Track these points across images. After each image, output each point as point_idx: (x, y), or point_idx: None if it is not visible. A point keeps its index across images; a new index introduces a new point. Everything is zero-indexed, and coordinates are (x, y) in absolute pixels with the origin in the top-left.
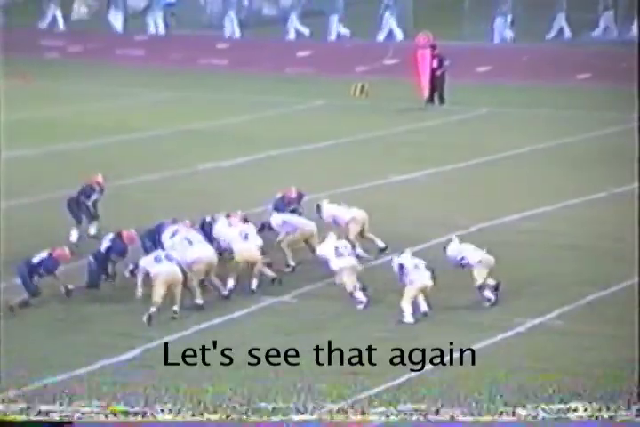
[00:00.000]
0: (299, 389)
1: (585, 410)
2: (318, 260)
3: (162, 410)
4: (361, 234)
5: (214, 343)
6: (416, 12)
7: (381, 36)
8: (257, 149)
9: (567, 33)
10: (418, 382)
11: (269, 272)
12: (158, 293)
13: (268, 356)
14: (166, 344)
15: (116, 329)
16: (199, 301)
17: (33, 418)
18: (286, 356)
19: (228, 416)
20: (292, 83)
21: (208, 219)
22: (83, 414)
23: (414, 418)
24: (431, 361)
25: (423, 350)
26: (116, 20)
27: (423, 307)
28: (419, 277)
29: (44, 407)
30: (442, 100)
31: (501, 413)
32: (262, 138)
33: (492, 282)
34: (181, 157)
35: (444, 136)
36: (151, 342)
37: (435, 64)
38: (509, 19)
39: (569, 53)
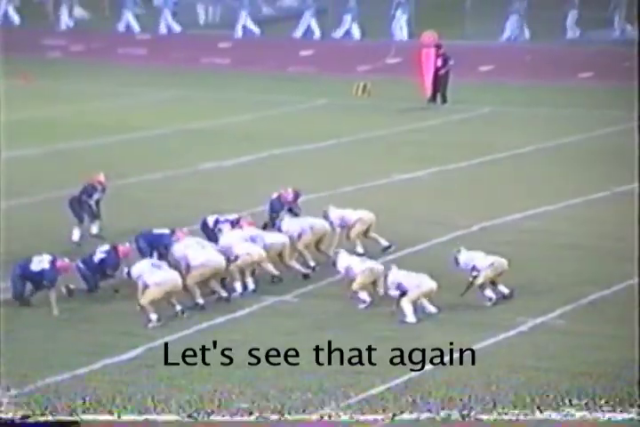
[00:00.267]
0: (299, 389)
1: (586, 410)
2: (321, 259)
3: (163, 410)
4: (365, 234)
5: (215, 343)
6: (419, 12)
7: (395, 34)
8: (259, 148)
9: (576, 32)
10: (419, 382)
11: (272, 269)
12: (151, 297)
13: (268, 356)
14: (167, 344)
15: (117, 328)
16: (200, 300)
17: (34, 418)
18: (286, 356)
19: (228, 416)
20: (295, 82)
21: (211, 221)
22: (84, 413)
23: (415, 418)
24: (432, 361)
25: (424, 350)
26: (131, 19)
27: (429, 308)
28: (422, 281)
29: (45, 407)
30: (444, 99)
31: (503, 412)
32: (264, 137)
33: (504, 289)
34: (183, 157)
35: (447, 135)
36: (153, 342)
37: (439, 63)
38: (523, 17)
39: (571, 53)
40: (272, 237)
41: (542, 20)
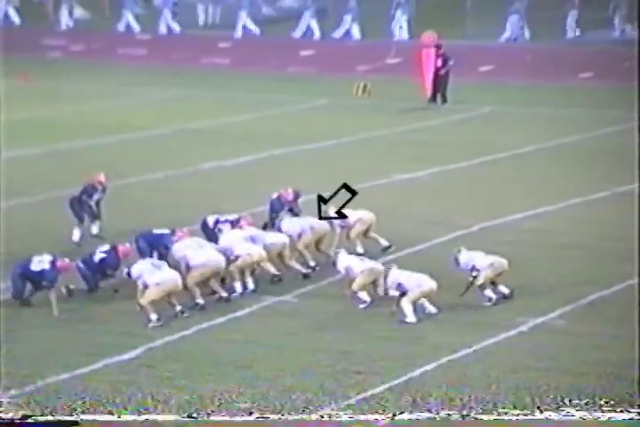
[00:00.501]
0: (299, 389)
1: (586, 410)
2: (320, 259)
3: (163, 410)
4: (365, 234)
5: (215, 343)
6: (419, 12)
7: (394, 35)
8: (259, 148)
9: (576, 32)
10: (419, 382)
11: (272, 269)
12: (151, 297)
13: (268, 355)
14: (169, 343)
15: (117, 329)
16: (200, 300)
17: (34, 418)
18: (287, 355)
19: (228, 416)
20: (295, 82)
21: (211, 220)
22: (84, 413)
23: (415, 418)
24: (433, 361)
25: (426, 350)
26: (131, 19)
27: (429, 308)
28: (422, 281)
29: (45, 407)
30: (444, 99)
31: (503, 412)
32: (264, 137)
33: (504, 290)
34: (183, 156)
35: (447, 135)
36: (153, 342)
37: (439, 63)
38: (523, 17)
39: (571, 53)
40: (272, 238)
41: (542, 20)
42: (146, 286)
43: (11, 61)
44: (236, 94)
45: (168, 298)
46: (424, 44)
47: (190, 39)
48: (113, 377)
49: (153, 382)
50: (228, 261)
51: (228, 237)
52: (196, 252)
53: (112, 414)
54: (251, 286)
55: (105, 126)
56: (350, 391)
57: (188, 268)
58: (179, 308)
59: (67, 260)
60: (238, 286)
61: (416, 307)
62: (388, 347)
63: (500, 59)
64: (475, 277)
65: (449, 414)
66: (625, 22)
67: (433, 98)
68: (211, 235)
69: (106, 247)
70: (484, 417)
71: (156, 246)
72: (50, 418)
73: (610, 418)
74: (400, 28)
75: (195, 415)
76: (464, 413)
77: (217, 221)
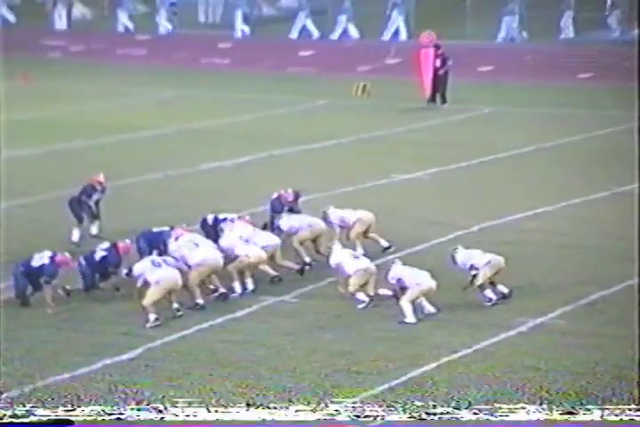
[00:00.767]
0: (299, 389)
1: (586, 409)
2: (320, 260)
3: (163, 410)
4: (364, 234)
5: (215, 343)
6: (418, 12)
7: (387, 35)
8: (259, 148)
9: (571, 32)
10: (419, 382)
11: (270, 270)
12: (153, 297)
13: (268, 355)
14: (168, 344)
15: (117, 329)
16: (200, 300)
17: (34, 418)
18: (287, 355)
19: (228, 416)
20: (294, 82)
21: (210, 218)
22: (84, 413)
23: (415, 418)
24: (432, 361)
25: (426, 350)
26: (125, 19)
27: (429, 308)
28: (422, 279)
29: (45, 407)
30: (444, 99)
31: (503, 412)
32: (264, 137)
33: (503, 289)
34: (183, 156)
35: (447, 135)
36: (153, 342)
37: (437, 63)
38: (517, 18)
39: (571, 53)
40: (265, 240)
41: (539, 21)
42: (146, 284)
43: (10, 61)
44: (235, 94)
45: (169, 296)
46: (422, 44)
47: (190, 39)
48: (113, 377)
49: (153, 382)
50: (227, 261)
51: (229, 237)
52: (192, 251)
53: (112, 414)
54: (250, 286)
55: (105, 126)
56: (350, 391)
57: (189, 267)
58: (175, 306)
59: (67, 254)
60: (237, 287)
61: (415, 307)
62: (388, 347)
63: (500, 59)
64: (475, 276)
65: (449, 414)
66: (624, 22)
67: (432, 98)
68: (210, 233)
69: (106, 245)
70: (484, 417)
71: (156, 244)
72: (49, 418)
73: (610, 418)
74: (397, 28)
75: (194, 415)
76: (464, 413)
77: (216, 219)
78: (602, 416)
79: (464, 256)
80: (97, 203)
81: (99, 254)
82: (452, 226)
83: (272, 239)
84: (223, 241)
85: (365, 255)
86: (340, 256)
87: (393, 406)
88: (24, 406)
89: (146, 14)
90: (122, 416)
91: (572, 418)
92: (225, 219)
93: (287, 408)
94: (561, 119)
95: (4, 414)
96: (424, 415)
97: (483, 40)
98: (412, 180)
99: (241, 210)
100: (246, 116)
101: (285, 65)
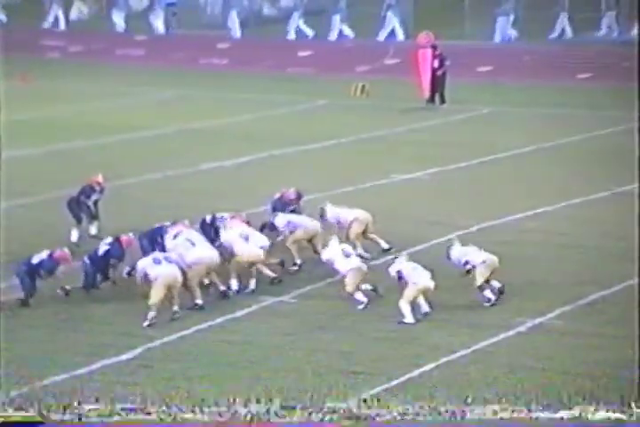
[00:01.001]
0: (299, 389)
1: (586, 410)
2: (319, 260)
3: (163, 410)
4: (364, 235)
5: (214, 343)
6: (417, 12)
7: (383, 36)
8: (259, 148)
9: (568, 33)
10: (418, 382)
11: (269, 272)
12: (157, 295)
13: (267, 356)
14: (167, 344)
15: (116, 329)
16: (199, 301)
17: (33, 418)
18: (286, 356)
19: (227, 416)
20: (294, 82)
21: (208, 218)
22: (83, 414)
23: (415, 418)
24: (431, 361)
25: (425, 350)
26: (119, 19)
27: (424, 308)
28: (420, 278)
29: (44, 408)
30: (442, 99)
31: (502, 413)
32: (264, 137)
33: (496, 284)
34: (183, 157)
35: (446, 135)
36: (152, 342)
37: (435, 64)
38: (512, 18)
39: (570, 53)
40: (255, 241)
41: (537, 21)
42: (147, 280)
43: (8, 62)
44: (235, 95)
45: (170, 294)
46: (420, 44)
47: (188, 40)
48: (112, 378)
49: (152, 383)
50: (226, 258)
51: (228, 234)
52: (188, 250)
53: (111, 414)
54: (252, 285)
55: (104, 126)
56: (350, 391)
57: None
58: (175, 308)
59: (66, 249)
60: (234, 284)
61: (414, 307)
62: (387, 347)
63: (499, 59)
64: (469, 271)
65: (449, 414)
66: (621, 23)
67: (431, 98)
68: (209, 233)
69: (109, 239)
70: (484, 417)
71: (156, 241)
72: (49, 418)
73: (609, 418)
74: (393, 29)
75: (194, 415)
76: (463, 413)
77: (214, 219)
78: (601, 416)
79: (459, 252)
80: (95, 203)
81: (102, 249)
82: (451, 226)
83: (262, 240)
84: (222, 238)
85: (367, 256)
86: (332, 253)
87: (392, 407)
88: (24, 406)
89: (141, 14)
90: (121, 417)
91: (571, 418)
92: (222, 218)
93: (287, 409)
94: (560, 119)
95: (4, 415)
96: (424, 415)
97: (481, 40)
98: (412, 180)
99: (241, 210)
100: (246, 117)
101: (284, 65)
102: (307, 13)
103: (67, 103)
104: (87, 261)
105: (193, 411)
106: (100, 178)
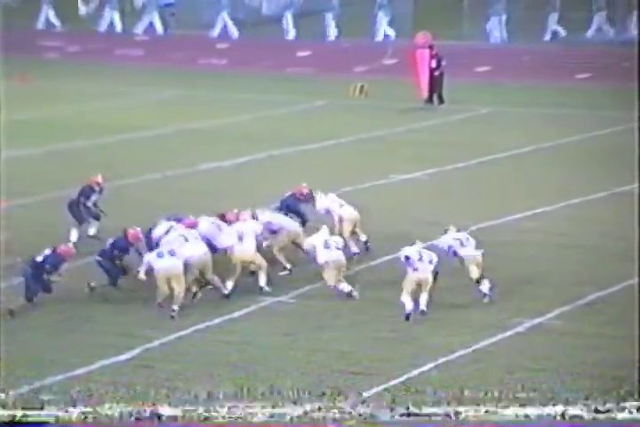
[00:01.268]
0: (298, 389)
1: (584, 410)
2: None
3: (161, 410)
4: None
5: (212, 344)
6: (415, 12)
7: (380, 37)
8: (258, 148)
9: (561, 33)
10: (417, 382)
11: (263, 279)
12: (162, 288)
13: (265, 356)
14: (165, 344)
15: (115, 329)
16: (196, 292)
17: (33, 418)
18: (285, 356)
19: (227, 416)
20: (293, 82)
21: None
22: (82, 414)
23: (415, 418)
24: (430, 361)
25: (424, 350)
26: (113, 19)
27: (422, 305)
28: (419, 269)
29: (43, 408)
30: (441, 99)
31: (501, 413)
32: (263, 137)
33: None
34: (182, 157)
35: (445, 136)
36: (150, 342)
37: (433, 64)
38: (504, 19)
39: (568, 53)
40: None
41: (532, 21)
42: (151, 272)
43: (7, 62)
44: (234, 95)
45: (172, 286)
46: (418, 44)
47: (187, 40)
48: (111, 378)
49: (150, 383)
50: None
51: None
52: (181, 246)
53: (110, 414)
54: (262, 283)
55: (104, 126)
56: (350, 391)
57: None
58: (175, 307)
59: (70, 244)
60: (229, 283)
61: (412, 307)
62: (386, 347)
63: (497, 59)
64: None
65: (447, 414)
66: (620, 23)
67: (429, 99)
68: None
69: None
70: (482, 417)
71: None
72: (48, 418)
73: (609, 418)
74: (383, 29)
75: (193, 415)
76: (461, 413)
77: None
78: (599, 417)
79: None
80: (95, 204)
81: (109, 242)
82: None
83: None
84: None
85: (361, 254)
86: (315, 240)
87: (391, 406)
88: (23, 406)
89: (139, 14)
90: (120, 416)
91: (570, 418)
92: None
93: (287, 408)
94: (559, 119)
95: (3, 415)
96: (423, 415)
97: (480, 40)
98: (411, 180)
99: (240, 210)
100: (245, 117)
101: (283, 65)
102: (300, 13)
103: (66, 103)
104: (100, 259)
105: (191, 411)
106: (99, 178)
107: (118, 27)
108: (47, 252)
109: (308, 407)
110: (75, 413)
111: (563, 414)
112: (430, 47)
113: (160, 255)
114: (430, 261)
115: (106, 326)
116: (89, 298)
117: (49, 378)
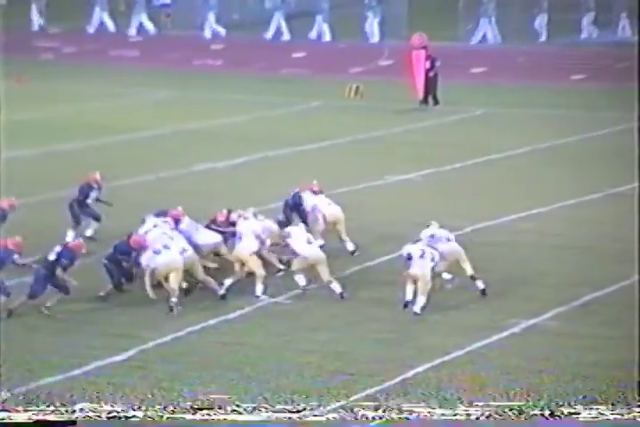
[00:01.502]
0: (297, 389)
1: (581, 411)
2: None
3: (158, 411)
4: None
5: (208, 345)
6: (410, 14)
7: (375, 38)
8: (253, 149)
9: (544, 35)
10: (414, 383)
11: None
12: (171, 284)
13: (261, 357)
14: (161, 345)
15: (111, 330)
16: (174, 299)
17: (32, 418)
18: (281, 357)
19: (226, 417)
20: (288, 83)
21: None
22: (79, 414)
23: (411, 418)
24: (426, 362)
25: (419, 351)
26: (103, 20)
27: (416, 307)
28: (416, 265)
29: (42, 408)
30: (436, 100)
31: (497, 413)
32: (260, 138)
33: (448, 276)
34: (177, 158)
35: (440, 137)
36: (146, 344)
37: (427, 65)
38: (493, 20)
39: (564, 54)
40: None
41: (521, 22)
42: (152, 271)
43: (4, 63)
44: (229, 96)
45: (165, 281)
46: (413, 45)
47: (183, 41)
48: (106, 379)
49: (145, 384)
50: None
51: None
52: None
53: (108, 414)
54: (258, 293)
55: (102, 127)
56: (348, 392)
57: None
58: (174, 300)
59: (80, 239)
60: (228, 281)
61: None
62: (382, 348)
63: (493, 60)
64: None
65: (445, 415)
66: (608, 24)
67: (424, 100)
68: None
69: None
70: (480, 417)
71: None
72: (48, 418)
73: (606, 418)
74: (373, 29)
75: (192, 415)
76: (457, 414)
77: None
78: (595, 417)
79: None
80: (98, 199)
81: (114, 244)
82: (446, 227)
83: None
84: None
85: (360, 253)
86: (293, 233)
87: (387, 407)
88: (23, 406)
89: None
90: (114, 418)
91: (565, 418)
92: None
93: (287, 408)
94: (555, 120)
95: (3, 414)
96: (421, 415)
97: (475, 42)
98: (407, 181)
99: (236, 210)
100: (241, 118)
101: (279, 66)
102: (292, 14)
103: (63, 104)
104: (106, 262)
105: (187, 412)
106: (97, 176)
107: (110, 27)
108: (58, 249)
109: (304, 408)
110: (74, 413)
111: (559, 415)
112: (424, 48)
113: (157, 252)
114: (432, 259)
115: (101, 327)
116: (84, 300)
117: (48, 378)
